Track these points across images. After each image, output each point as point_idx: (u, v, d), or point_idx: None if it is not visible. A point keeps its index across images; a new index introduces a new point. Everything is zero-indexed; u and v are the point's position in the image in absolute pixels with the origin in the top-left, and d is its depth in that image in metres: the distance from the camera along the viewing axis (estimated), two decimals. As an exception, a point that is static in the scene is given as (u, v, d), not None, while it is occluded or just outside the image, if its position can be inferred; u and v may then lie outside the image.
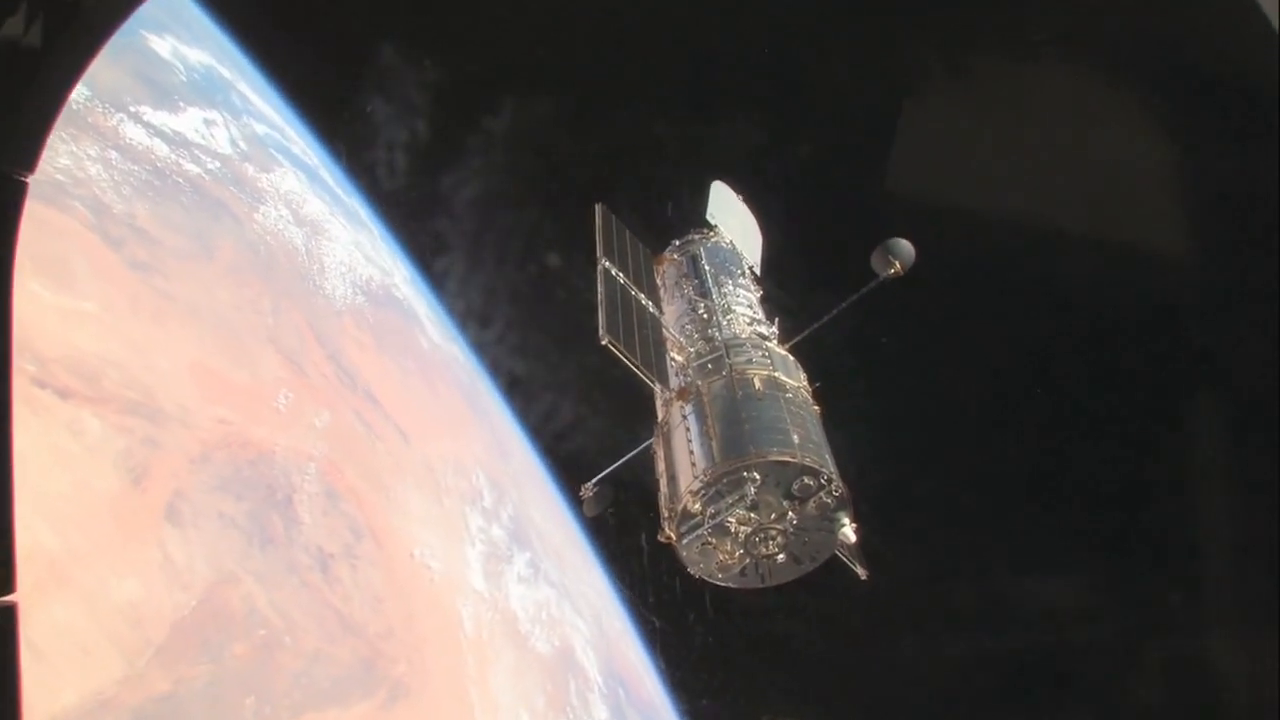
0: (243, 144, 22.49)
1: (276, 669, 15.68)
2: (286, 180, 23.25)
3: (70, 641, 13.49)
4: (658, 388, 8.44)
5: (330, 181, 24.89)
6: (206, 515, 16.10)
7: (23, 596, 4.38)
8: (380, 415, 21.30)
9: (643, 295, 8.92)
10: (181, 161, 20.13)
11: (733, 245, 10.96)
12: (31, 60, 4.11)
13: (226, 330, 18.72)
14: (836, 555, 7.92)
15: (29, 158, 4.26)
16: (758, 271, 11.01)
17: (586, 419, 22.73)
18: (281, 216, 22.10)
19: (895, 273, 9.18)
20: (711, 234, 10.99)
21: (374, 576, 18.39)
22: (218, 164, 21.18)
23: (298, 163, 24.16)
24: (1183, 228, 15.67)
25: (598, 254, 9.03)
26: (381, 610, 18.15)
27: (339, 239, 23.64)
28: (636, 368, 7.88)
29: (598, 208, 9.86)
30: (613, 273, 8.83)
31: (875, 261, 9.26)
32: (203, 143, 21.15)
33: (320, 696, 16.08)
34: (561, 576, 24.79)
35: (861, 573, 8.24)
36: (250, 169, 22.31)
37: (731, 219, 11.21)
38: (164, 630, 14.58)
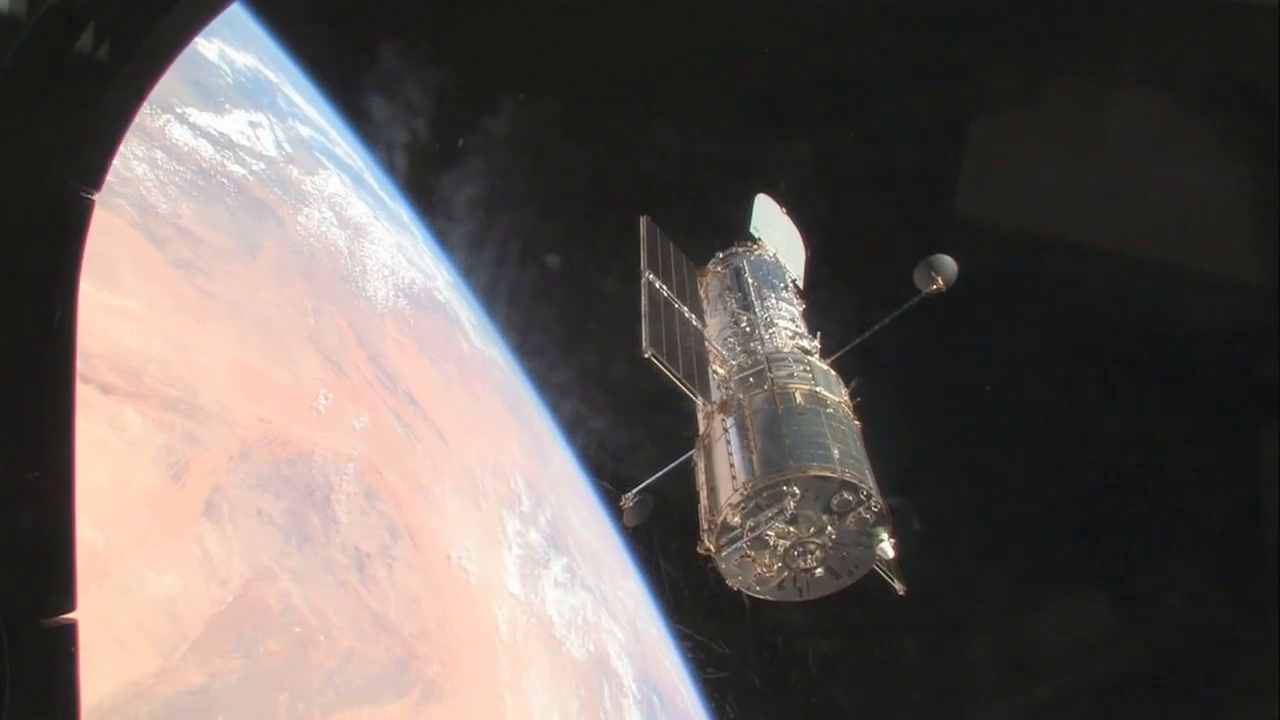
0: (287, 146, 22.68)
1: (310, 667, 15.63)
2: (331, 183, 23.41)
3: (107, 634, 13.51)
4: (699, 401, 8.40)
5: (374, 185, 25.06)
6: (245, 512, 16.12)
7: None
8: (420, 417, 21.30)
9: (686, 308, 8.90)
10: (226, 163, 20.31)
11: (775, 258, 10.88)
12: (100, 78, 4.09)
13: (268, 330, 18.80)
14: (875, 570, 7.81)
15: (95, 175, 4.23)
16: (800, 284, 10.87)
17: (627, 425, 22.64)
18: (325, 219, 22.23)
19: (938, 289, 9.05)
20: (755, 247, 10.93)
21: (410, 577, 18.32)
22: (262, 166, 21.35)
23: (342, 166, 24.35)
24: (1261, 257, 15.25)
25: (642, 267, 9.03)
26: (417, 611, 18.07)
27: (382, 242, 23.75)
28: (679, 381, 7.89)
29: (642, 220, 9.86)
30: (656, 285, 8.81)
31: (918, 277, 9.14)
32: (248, 145, 21.33)
33: (353, 695, 16.01)
34: (598, 582, 24.62)
35: (900, 588, 8.11)
36: (295, 171, 22.48)
37: (775, 232, 11.14)
38: (200, 625, 14.59)
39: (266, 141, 22.03)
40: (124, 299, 16.26)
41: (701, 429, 8.41)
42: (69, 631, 4.05)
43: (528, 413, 26.17)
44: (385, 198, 25.03)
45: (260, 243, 20.08)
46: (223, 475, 16.15)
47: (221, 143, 20.54)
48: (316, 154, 23.67)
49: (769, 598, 7.66)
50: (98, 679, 13.02)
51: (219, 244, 18.92)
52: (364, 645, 16.64)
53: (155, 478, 15.19)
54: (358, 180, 24.54)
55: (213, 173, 19.76)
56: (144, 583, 14.36)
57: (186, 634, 14.43)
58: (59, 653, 4.02)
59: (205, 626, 14.66)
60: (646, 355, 7.71)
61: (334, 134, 24.66)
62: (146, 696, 13.56)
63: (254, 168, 21.04)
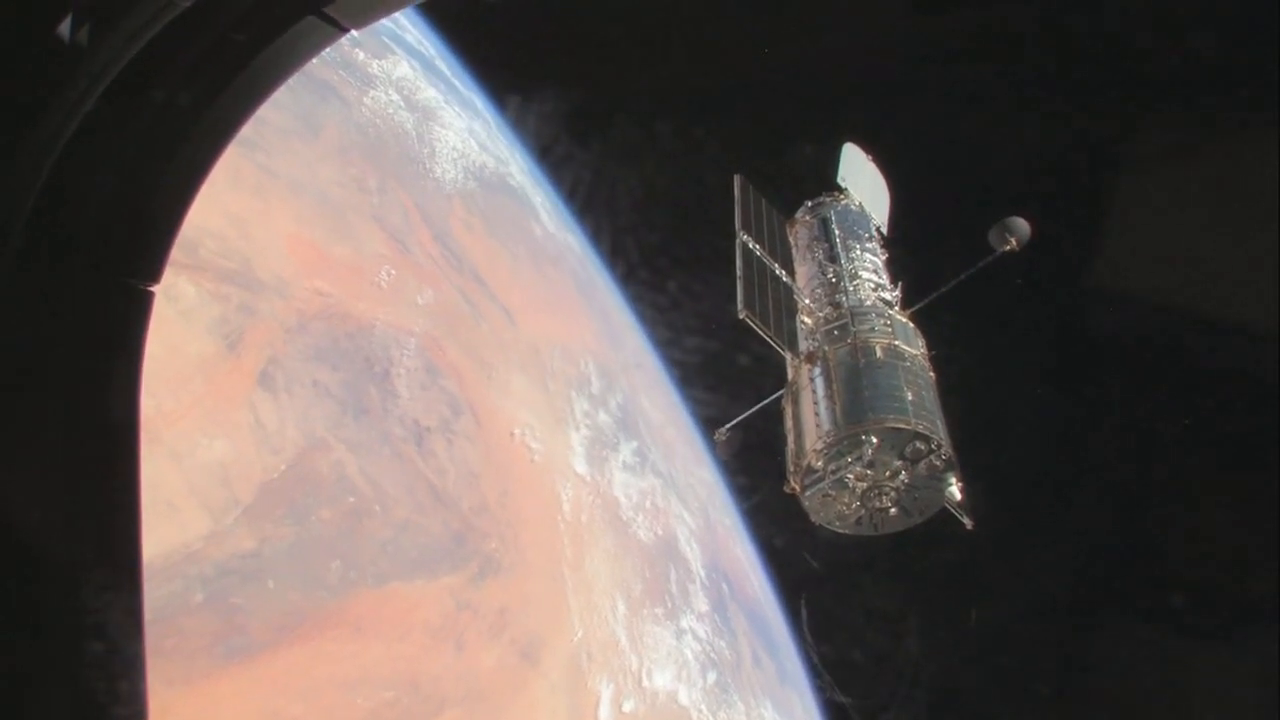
0: (354, 31, 22.22)
1: (364, 536, 15.42)
2: (399, 68, 22.91)
3: (159, 496, 13.51)
4: (788, 355, 9.09)
5: (446, 71, 24.53)
6: (300, 383, 15.93)
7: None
8: (486, 296, 20.83)
9: (777, 265, 9.60)
10: (289, 43, 19.93)
11: (861, 208, 11.31)
12: (156, 159, 3.46)
13: (329, 206, 18.47)
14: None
15: (154, 267, 3.62)
16: (885, 232, 11.40)
17: (705, 316, 22.25)
18: (392, 101, 21.77)
19: (1011, 249, 9.67)
20: (842, 196, 11.36)
21: (470, 452, 17.95)
22: (327, 48, 20.91)
23: (412, 52, 23.85)
24: None
25: (736, 226, 9.60)
26: (476, 486, 17.71)
27: (452, 125, 23.22)
28: (771, 339, 8.67)
29: (736, 179, 10.38)
30: (750, 245, 9.40)
31: (993, 237, 9.77)
32: (312, 27, 20.93)
33: (407, 566, 15.76)
34: (669, 468, 24.11)
35: (969, 524, 8.66)
36: (361, 55, 22.05)
37: (862, 179, 11.58)
38: (251, 491, 14.48)
39: (332, 25, 21.60)
40: (180, 173, 16.03)
41: (790, 376, 9.13)
42: None
43: (601, 297, 25.66)
44: (457, 84, 24.49)
45: (323, 122, 19.70)
46: (278, 346, 15.95)
47: (285, 24, 20.16)
48: (384, 39, 23.17)
49: (847, 532, 8.45)
50: (149, 540, 12.81)
51: (279, 122, 18.61)
52: (420, 517, 16.35)
53: (209, 347, 15.06)
54: (428, 66, 24.01)
55: (275, 53, 19.40)
56: (196, 448, 14.28)
57: (238, 499, 14.33)
58: None
59: (257, 493, 14.56)
60: (741, 317, 8.41)
61: (403, 20, 24.11)
62: (197, 558, 13.54)
63: (318, 49, 20.63)
